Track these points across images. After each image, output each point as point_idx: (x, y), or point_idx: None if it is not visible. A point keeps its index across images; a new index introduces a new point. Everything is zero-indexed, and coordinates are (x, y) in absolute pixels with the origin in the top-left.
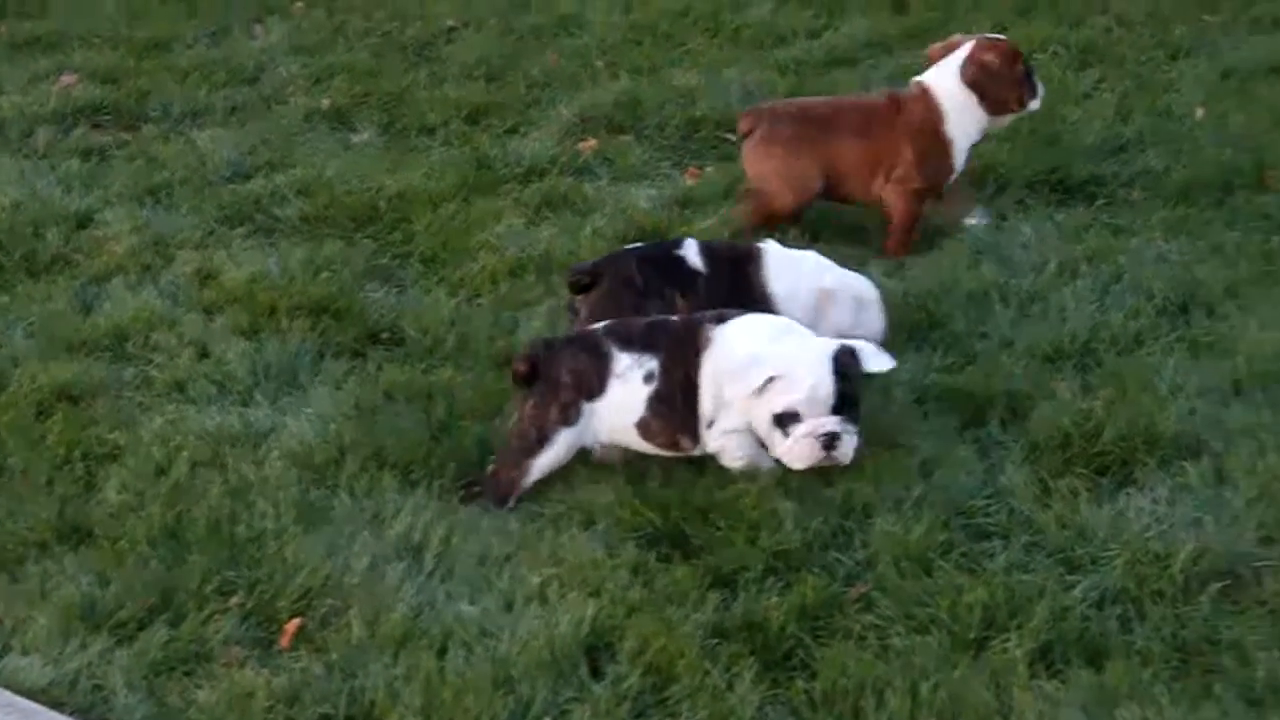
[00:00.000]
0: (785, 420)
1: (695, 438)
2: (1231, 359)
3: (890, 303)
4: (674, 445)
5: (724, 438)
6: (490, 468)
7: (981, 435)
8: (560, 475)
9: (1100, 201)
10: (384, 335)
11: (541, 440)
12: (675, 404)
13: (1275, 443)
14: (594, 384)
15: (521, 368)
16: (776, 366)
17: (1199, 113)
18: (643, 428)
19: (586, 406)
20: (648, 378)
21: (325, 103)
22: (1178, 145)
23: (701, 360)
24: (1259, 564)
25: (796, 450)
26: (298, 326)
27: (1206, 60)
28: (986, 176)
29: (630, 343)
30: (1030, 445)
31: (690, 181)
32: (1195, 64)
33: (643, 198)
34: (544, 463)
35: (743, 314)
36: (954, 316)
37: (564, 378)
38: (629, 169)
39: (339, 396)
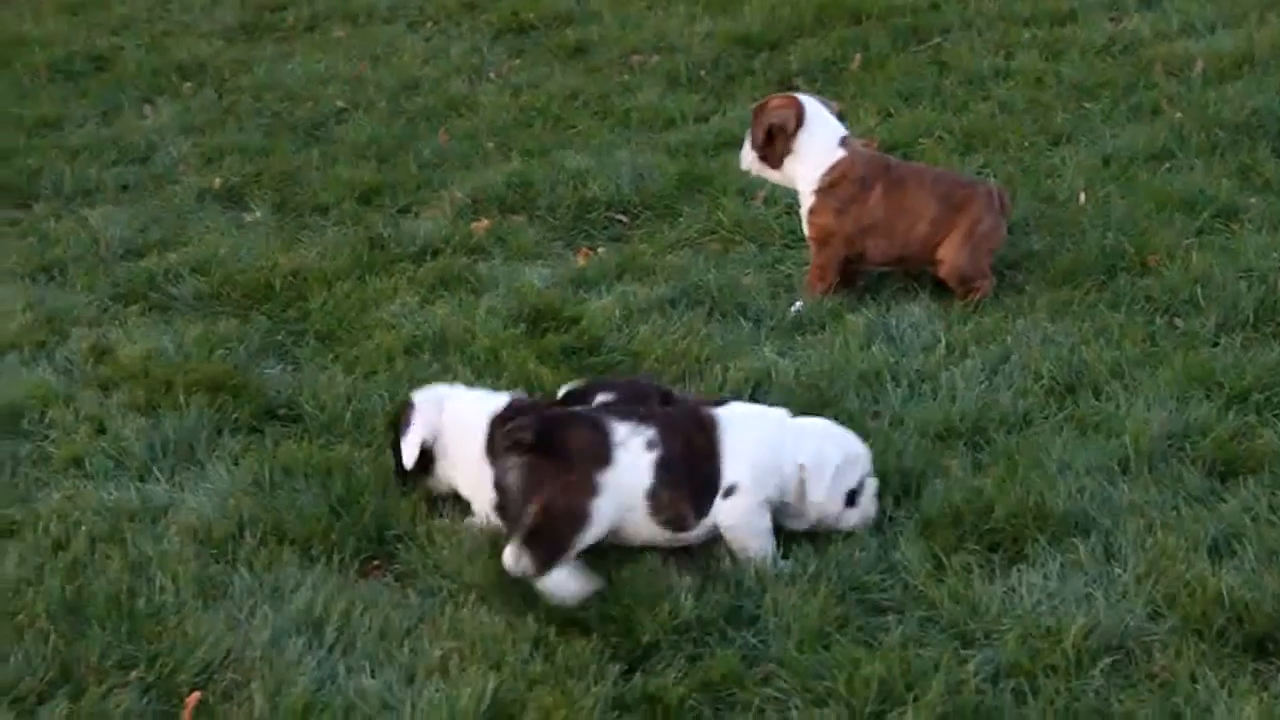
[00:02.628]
0: None
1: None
2: (1119, 438)
3: (784, 382)
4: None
5: None
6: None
7: None
8: (455, 550)
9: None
10: (281, 411)
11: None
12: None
13: (1162, 520)
14: None
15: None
16: None
17: (1082, 197)
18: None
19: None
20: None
21: (217, 181)
22: (1062, 229)
23: None
24: (1148, 638)
25: None
26: (195, 402)
27: (1088, 146)
28: None
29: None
30: (923, 522)
31: (582, 262)
32: (1077, 150)
33: (536, 277)
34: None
35: None
36: (846, 395)
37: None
38: (522, 249)
39: (237, 472)
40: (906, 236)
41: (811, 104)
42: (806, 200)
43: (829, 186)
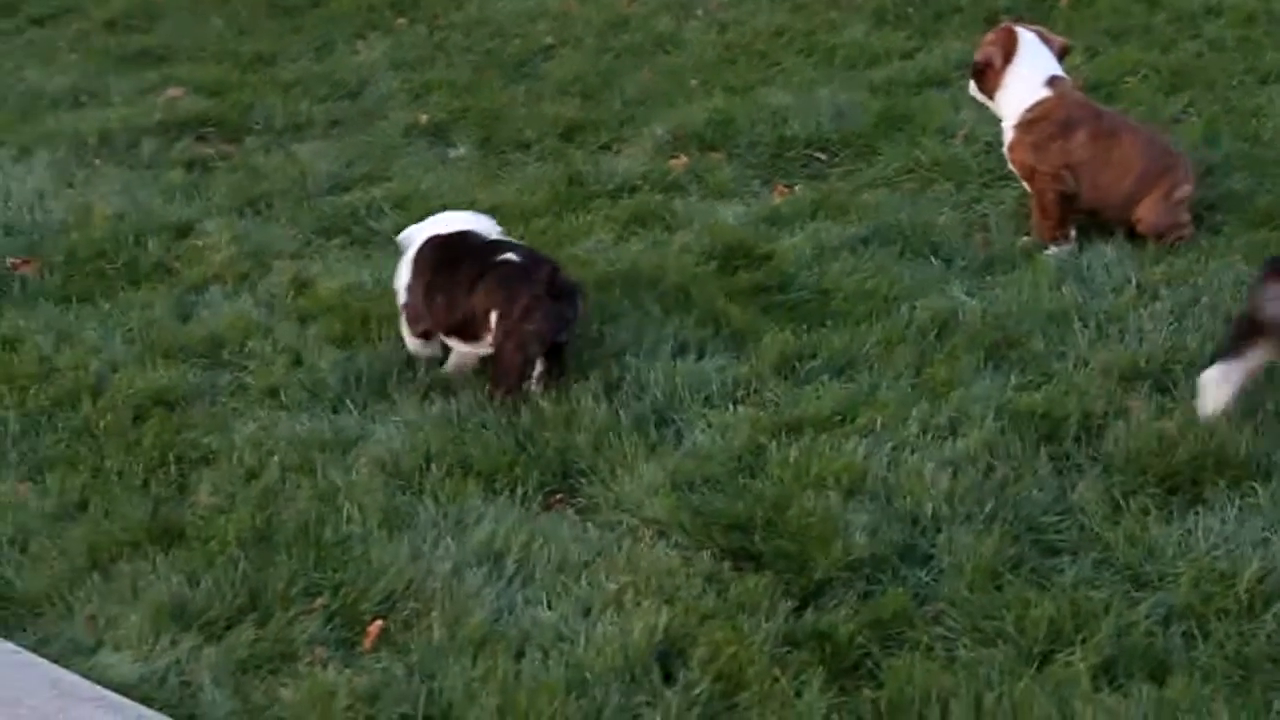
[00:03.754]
0: None
1: None
2: None
3: (971, 321)
4: None
5: None
6: None
7: (1056, 452)
8: (636, 484)
9: None
10: None
11: None
12: None
13: None
14: None
15: None
16: None
17: None
18: None
19: None
20: None
21: (424, 117)
22: (1264, 170)
23: None
24: None
25: None
26: (389, 336)
27: None
28: None
29: None
30: (1104, 463)
31: (778, 199)
32: None
33: (730, 215)
34: None
35: None
36: (1033, 336)
37: None
38: (719, 186)
39: (427, 406)
40: (1109, 189)
41: (1028, 40)
42: (1007, 136)
43: (1027, 124)
